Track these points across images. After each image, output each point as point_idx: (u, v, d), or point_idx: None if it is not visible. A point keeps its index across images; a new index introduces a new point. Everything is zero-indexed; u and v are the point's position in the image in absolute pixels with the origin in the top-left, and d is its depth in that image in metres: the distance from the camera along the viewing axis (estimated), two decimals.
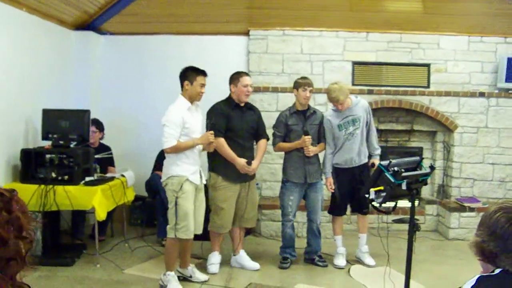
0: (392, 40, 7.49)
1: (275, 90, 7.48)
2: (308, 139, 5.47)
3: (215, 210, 5.42)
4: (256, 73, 7.37)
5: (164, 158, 5.08)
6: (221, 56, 7.49)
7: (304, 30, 7.44)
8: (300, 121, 5.63)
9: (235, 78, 5.42)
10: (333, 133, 5.68)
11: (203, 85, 4.93)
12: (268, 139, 5.67)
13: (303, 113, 5.71)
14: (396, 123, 7.66)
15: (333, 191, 5.70)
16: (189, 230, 4.88)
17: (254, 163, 5.42)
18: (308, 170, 5.65)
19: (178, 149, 4.82)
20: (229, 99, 5.48)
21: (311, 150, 5.54)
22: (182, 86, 4.93)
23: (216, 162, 5.39)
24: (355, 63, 7.47)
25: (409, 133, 7.77)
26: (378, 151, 5.70)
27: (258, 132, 5.64)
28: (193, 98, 4.92)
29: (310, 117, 5.72)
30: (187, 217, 4.84)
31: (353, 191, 5.72)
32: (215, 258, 5.54)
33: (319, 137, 5.75)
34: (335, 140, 5.71)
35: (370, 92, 7.35)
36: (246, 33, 7.49)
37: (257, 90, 7.29)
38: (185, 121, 4.82)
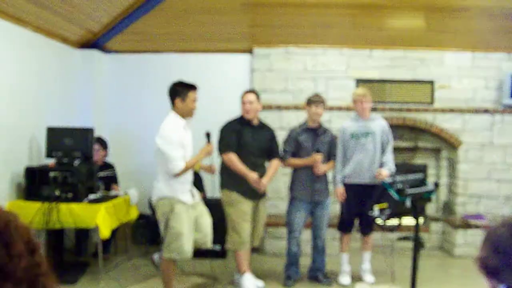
0: (395, 57, 7.45)
1: (278, 107, 7.44)
2: (318, 157, 5.44)
3: (233, 228, 5.33)
4: (260, 91, 6.80)
5: None
6: (224, 74, 7.50)
7: (308, 48, 7.41)
8: (310, 138, 5.61)
9: (242, 96, 5.48)
10: (344, 141, 5.64)
11: (195, 100, 4.81)
12: (280, 159, 5.64)
13: (314, 131, 5.68)
14: (400, 140, 7.54)
15: (343, 201, 5.63)
16: (183, 251, 4.75)
17: (264, 179, 5.37)
18: (316, 188, 5.62)
19: (186, 170, 4.70)
20: (241, 117, 5.49)
21: (321, 168, 5.52)
22: (173, 103, 4.78)
23: (229, 179, 5.36)
24: (358, 80, 7.40)
25: (413, 150, 7.69)
26: (390, 166, 5.61)
27: (271, 151, 5.61)
28: (185, 115, 4.79)
29: (321, 135, 5.69)
30: (180, 238, 4.71)
31: (360, 210, 5.64)
32: (248, 279, 5.42)
33: (329, 155, 5.71)
34: (345, 149, 5.66)
35: (373, 109, 6.74)
36: (250, 51, 7.48)
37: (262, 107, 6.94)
38: (181, 140, 4.72)
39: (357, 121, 5.67)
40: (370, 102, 5.63)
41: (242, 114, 5.42)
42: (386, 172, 5.40)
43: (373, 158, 5.60)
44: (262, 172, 5.41)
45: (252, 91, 5.53)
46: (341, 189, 5.60)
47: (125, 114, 7.70)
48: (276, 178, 7.04)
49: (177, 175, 4.60)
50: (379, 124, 5.68)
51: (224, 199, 5.39)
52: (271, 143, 5.56)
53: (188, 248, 4.73)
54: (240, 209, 5.29)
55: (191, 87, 4.77)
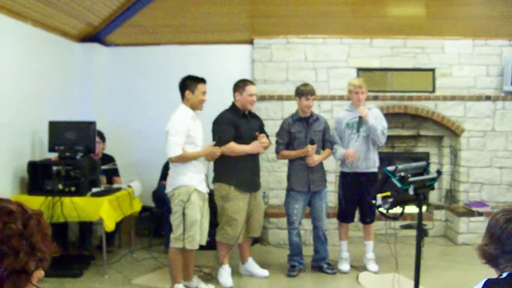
0: (396, 46, 7.40)
1: (280, 98, 7.41)
2: (312, 148, 5.42)
3: (227, 222, 5.30)
4: (260, 82, 7.31)
5: (169, 168, 5.03)
6: (225, 65, 7.43)
7: (308, 38, 7.38)
8: (303, 128, 5.59)
9: (240, 86, 5.35)
10: (339, 131, 5.65)
11: (204, 93, 4.90)
12: (268, 136, 5.62)
13: (306, 120, 5.65)
14: (402, 128, 7.58)
15: (353, 158, 5.54)
16: (195, 240, 4.81)
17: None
18: (312, 178, 5.60)
19: (183, 159, 4.74)
20: (235, 108, 5.40)
21: (315, 159, 5.50)
22: (183, 96, 4.89)
23: (226, 172, 5.32)
24: (359, 69, 7.38)
25: (416, 138, 7.68)
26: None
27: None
28: (195, 107, 4.87)
29: (313, 124, 5.66)
30: (194, 227, 4.77)
31: (359, 199, 5.66)
32: (226, 271, 5.46)
33: (324, 144, 5.70)
34: (341, 139, 5.69)
35: (375, 98, 7.21)
36: (250, 42, 7.45)
37: (262, 98, 7.22)
38: (189, 129, 4.78)
39: (352, 111, 5.67)
40: (366, 93, 5.63)
41: (241, 105, 5.37)
42: (366, 109, 5.44)
43: (368, 147, 5.62)
44: (257, 163, 5.46)
45: (253, 82, 5.53)
46: (350, 150, 5.55)
47: (125, 107, 7.68)
48: (279, 168, 7.14)
49: (172, 160, 4.70)
50: (373, 113, 5.67)
51: (220, 193, 5.34)
52: (261, 131, 5.58)
53: (198, 238, 4.81)
54: (236, 205, 5.28)
55: (200, 80, 4.86)
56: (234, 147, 5.19)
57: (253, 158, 5.40)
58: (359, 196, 5.61)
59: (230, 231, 5.26)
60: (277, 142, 5.64)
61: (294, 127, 5.59)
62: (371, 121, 5.44)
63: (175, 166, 4.79)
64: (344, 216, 5.83)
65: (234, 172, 5.24)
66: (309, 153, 5.40)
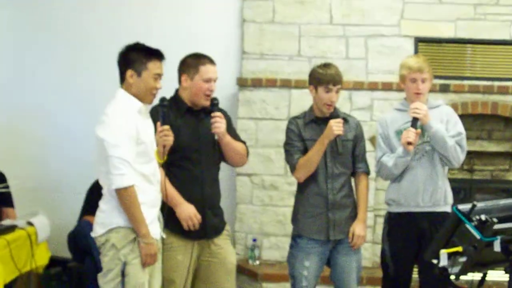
0: (482, 3, 6.02)
1: (285, 84, 6.10)
2: (336, 123, 4.48)
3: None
4: (254, 56, 6.20)
5: (99, 195, 4.08)
6: (195, 28, 6.21)
7: None
8: (320, 134, 4.59)
9: (190, 64, 4.44)
10: (388, 142, 4.73)
11: (158, 76, 4.02)
12: (245, 143, 4.73)
13: (326, 122, 4.61)
14: (488, 140, 6.30)
15: (411, 140, 4.53)
16: None
17: None
18: (334, 219, 4.58)
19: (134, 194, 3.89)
20: (175, 99, 4.48)
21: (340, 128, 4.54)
22: (122, 76, 4.00)
23: None
24: (419, 40, 6.12)
25: (511, 157, 6.40)
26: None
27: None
28: (142, 97, 3.99)
29: None
30: None
31: (417, 258, 4.50)
32: None
33: (355, 161, 4.66)
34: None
35: (444, 90, 5.95)
36: None
37: (256, 83, 6.17)
38: (138, 131, 3.84)
39: (406, 111, 4.65)
40: (431, 80, 4.64)
41: (188, 96, 4.46)
42: (423, 106, 4.48)
43: (436, 169, 4.56)
44: (214, 191, 4.58)
45: (212, 59, 4.57)
46: (409, 130, 4.53)
47: (25, 89, 6.38)
48: (281, 200, 6.10)
49: (120, 193, 3.77)
50: (440, 113, 4.70)
51: None
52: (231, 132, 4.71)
53: None
54: (173, 259, 4.47)
55: (153, 55, 4.03)
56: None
57: (205, 182, 4.45)
58: (417, 254, 4.59)
59: None
60: (287, 152, 4.68)
61: (306, 131, 4.66)
62: (435, 125, 4.45)
63: (105, 191, 3.98)
64: (391, 286, 4.80)
65: (168, 207, 4.38)
66: (335, 130, 4.50)
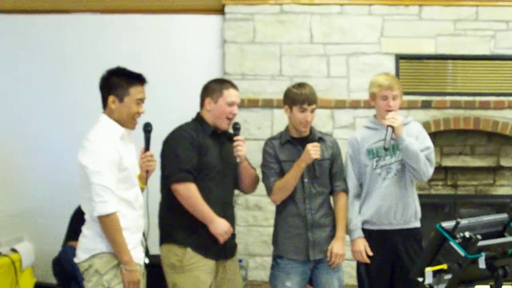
0: (461, 18, 6.08)
1: (267, 104, 6.17)
2: (313, 147, 4.46)
3: None
4: (236, 77, 6.11)
5: (83, 220, 4.03)
6: (176, 50, 6.24)
7: (315, 4, 6.27)
8: (297, 155, 4.58)
9: (215, 89, 4.48)
10: (359, 163, 4.71)
11: (141, 101, 4.04)
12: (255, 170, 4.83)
13: (302, 143, 4.63)
14: (471, 156, 6.33)
15: (365, 260, 4.54)
16: None
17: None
18: (314, 239, 4.57)
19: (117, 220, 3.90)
20: (200, 121, 4.51)
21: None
22: (104, 102, 4.00)
23: (178, 225, 4.38)
24: (400, 57, 6.17)
25: (494, 172, 6.44)
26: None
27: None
28: (124, 123, 3.98)
29: None
30: None
31: (392, 274, 4.54)
32: None
33: (333, 179, 4.68)
34: (360, 175, 4.72)
35: (425, 106, 6.05)
36: (220, 11, 6.30)
37: (238, 104, 6.05)
38: (121, 157, 3.82)
39: (377, 130, 4.72)
40: (400, 97, 4.67)
41: (212, 118, 4.50)
42: (398, 117, 4.55)
43: (406, 186, 4.63)
44: (231, 212, 4.60)
45: (233, 84, 4.65)
46: (360, 241, 4.61)
47: (11, 109, 6.34)
48: (266, 221, 6.05)
49: (103, 220, 3.75)
50: (410, 129, 4.73)
51: (169, 260, 4.38)
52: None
53: None
54: (196, 278, 4.31)
55: (135, 79, 4.00)
56: (192, 196, 4.33)
57: (226, 204, 4.50)
58: (392, 270, 4.57)
59: None
60: (264, 174, 4.67)
61: (282, 153, 4.65)
62: (407, 138, 4.49)
63: (97, 221, 3.90)
64: None
65: (191, 225, 4.32)
66: (312, 154, 4.49)
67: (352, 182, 4.67)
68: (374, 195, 4.56)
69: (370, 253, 4.55)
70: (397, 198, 4.52)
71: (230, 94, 4.43)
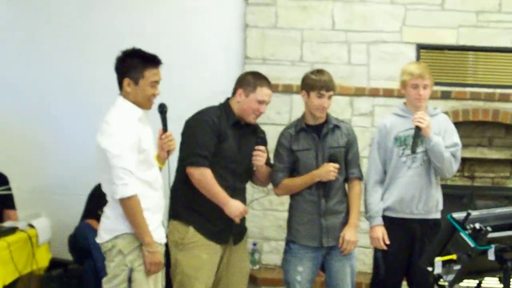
0: (484, 10, 6.01)
1: (288, 89, 6.11)
2: (334, 168, 4.44)
3: (181, 284, 4.45)
4: (257, 61, 6.20)
5: (103, 200, 4.08)
6: (197, 31, 6.18)
7: None
8: (312, 143, 4.65)
9: (249, 82, 4.49)
10: (385, 149, 4.73)
11: (156, 83, 4.04)
12: (272, 167, 4.84)
13: (317, 130, 4.66)
14: (488, 147, 6.31)
15: (382, 247, 4.59)
16: None
17: None
18: (327, 225, 4.59)
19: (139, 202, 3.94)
20: (226, 108, 4.52)
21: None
22: (120, 84, 4.00)
23: (185, 204, 4.43)
24: (421, 47, 6.14)
25: (511, 164, 6.39)
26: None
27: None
28: (140, 104, 4.02)
29: (329, 136, 4.72)
30: None
31: (410, 261, 4.57)
32: None
33: (348, 167, 4.70)
34: (385, 162, 4.72)
35: (445, 96, 6.00)
36: None
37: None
38: (140, 139, 3.86)
39: (406, 117, 4.71)
40: (431, 87, 4.67)
41: (240, 110, 4.52)
42: (426, 117, 4.51)
43: (431, 177, 4.63)
44: (242, 200, 4.57)
45: (269, 81, 4.63)
46: (379, 228, 4.59)
47: (24, 91, 6.32)
48: (282, 205, 5.92)
49: (124, 202, 3.79)
50: (438, 122, 4.73)
51: (173, 236, 4.47)
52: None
53: None
54: (197, 257, 4.39)
55: (150, 62, 4.01)
56: (205, 178, 4.38)
57: (237, 191, 4.46)
58: (409, 258, 4.63)
59: None
60: (274, 166, 4.68)
61: (297, 143, 4.67)
62: (434, 139, 4.50)
63: (116, 201, 3.92)
64: None
65: (197, 203, 4.38)
66: (330, 174, 4.53)
67: (376, 168, 4.70)
68: (397, 183, 4.60)
69: (387, 242, 4.56)
70: (421, 189, 4.58)
71: (262, 93, 4.44)
